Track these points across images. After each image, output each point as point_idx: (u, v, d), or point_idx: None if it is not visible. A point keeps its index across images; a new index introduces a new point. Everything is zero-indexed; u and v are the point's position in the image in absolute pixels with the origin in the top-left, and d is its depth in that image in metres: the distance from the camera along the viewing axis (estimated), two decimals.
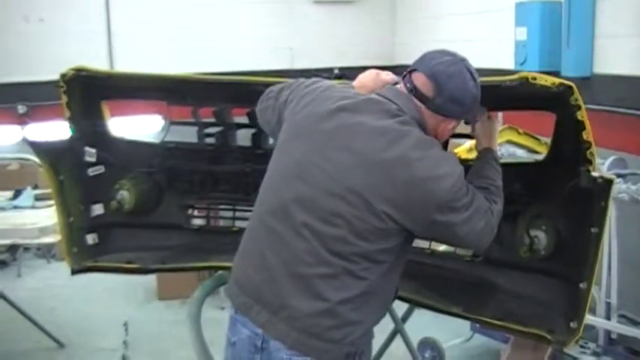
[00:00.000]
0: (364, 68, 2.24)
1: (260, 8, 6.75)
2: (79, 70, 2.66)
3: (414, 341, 3.82)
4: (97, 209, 2.87)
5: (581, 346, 4.04)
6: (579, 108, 2.02)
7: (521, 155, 3.85)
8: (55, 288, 5.77)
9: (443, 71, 1.95)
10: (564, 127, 2.21)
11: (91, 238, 2.82)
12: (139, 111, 5.22)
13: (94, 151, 2.84)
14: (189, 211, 3.01)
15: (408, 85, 1.99)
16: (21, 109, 6.02)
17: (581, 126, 2.04)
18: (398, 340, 3.53)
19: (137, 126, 5.18)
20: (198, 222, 3.05)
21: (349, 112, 1.95)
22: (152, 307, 5.53)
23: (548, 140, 2.44)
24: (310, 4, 6.94)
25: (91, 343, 4.84)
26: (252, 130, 2.89)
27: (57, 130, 2.98)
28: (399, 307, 3.03)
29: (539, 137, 3.78)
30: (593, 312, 3.99)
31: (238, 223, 2.95)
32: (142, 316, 5.24)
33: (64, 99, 2.70)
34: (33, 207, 4.68)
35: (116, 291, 5.55)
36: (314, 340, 1.89)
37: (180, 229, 2.96)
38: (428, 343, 4.39)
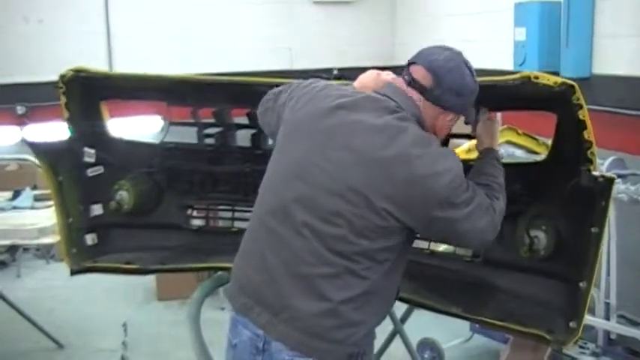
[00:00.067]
0: (364, 69, 2.25)
1: (260, 8, 6.75)
2: (78, 71, 2.65)
3: (414, 342, 3.83)
4: (96, 210, 2.87)
5: (581, 347, 4.04)
6: (581, 107, 2.02)
7: (520, 156, 3.85)
8: (54, 288, 5.78)
9: (442, 66, 1.96)
10: (565, 127, 2.21)
11: (90, 239, 2.82)
12: (138, 111, 5.23)
13: (93, 151, 2.83)
14: (189, 212, 3.01)
15: (406, 77, 2.00)
16: (20, 109, 6.00)
17: (582, 125, 2.04)
18: (397, 341, 3.53)
19: (137, 126, 5.17)
20: (197, 222, 3.04)
21: (347, 110, 1.95)
22: (151, 307, 5.53)
23: (547, 141, 2.43)
24: (310, 4, 6.94)
25: (90, 343, 4.85)
26: (252, 131, 2.89)
27: (56, 130, 2.98)
28: (399, 308, 3.02)
29: (538, 138, 3.78)
30: (592, 312, 3.99)
31: (237, 224, 2.94)
32: (141, 316, 5.24)
33: (63, 100, 2.69)
34: (32, 207, 4.69)
35: (115, 291, 5.55)
36: (316, 340, 1.88)
37: (180, 230, 2.96)
38: (427, 344, 4.40)
